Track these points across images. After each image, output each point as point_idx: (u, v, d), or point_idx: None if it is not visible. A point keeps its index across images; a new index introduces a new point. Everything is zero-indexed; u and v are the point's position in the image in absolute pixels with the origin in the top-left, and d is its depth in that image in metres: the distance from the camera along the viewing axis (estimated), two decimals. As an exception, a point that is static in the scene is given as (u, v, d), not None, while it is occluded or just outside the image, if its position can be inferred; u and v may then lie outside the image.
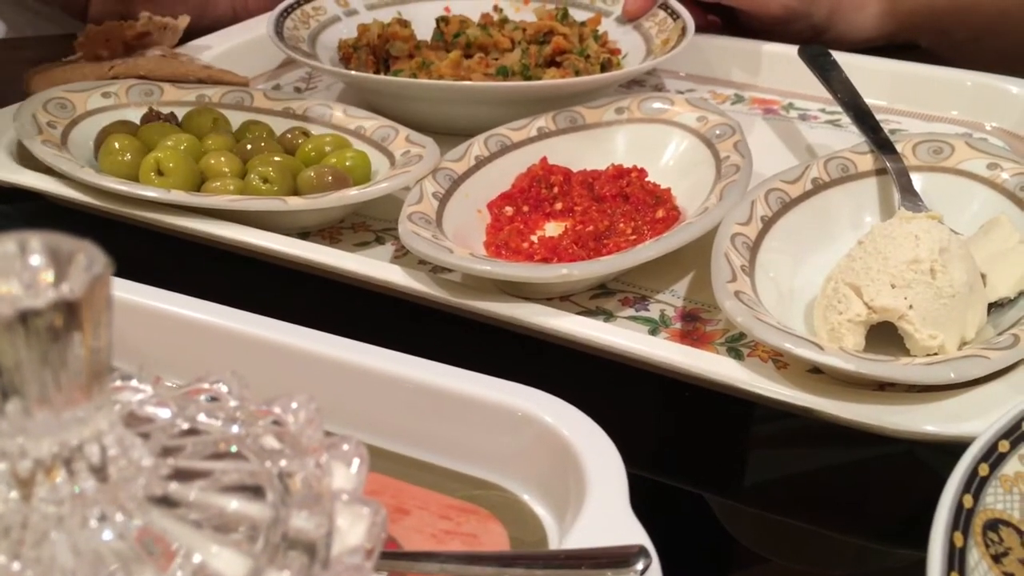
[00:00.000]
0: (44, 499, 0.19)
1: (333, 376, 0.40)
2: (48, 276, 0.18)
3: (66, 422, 0.19)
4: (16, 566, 0.19)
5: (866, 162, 0.56)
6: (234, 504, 0.21)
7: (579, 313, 0.48)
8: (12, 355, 0.18)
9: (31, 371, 0.18)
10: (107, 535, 0.20)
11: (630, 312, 0.51)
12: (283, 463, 0.22)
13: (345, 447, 0.24)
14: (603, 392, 0.46)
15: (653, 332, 0.49)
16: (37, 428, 0.19)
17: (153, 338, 0.42)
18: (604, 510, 0.33)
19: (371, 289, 0.51)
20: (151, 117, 0.63)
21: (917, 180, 0.55)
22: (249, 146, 0.60)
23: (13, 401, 0.19)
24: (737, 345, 0.48)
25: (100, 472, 0.20)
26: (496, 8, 0.81)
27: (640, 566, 0.29)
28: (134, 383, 0.25)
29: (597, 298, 0.52)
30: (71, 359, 0.18)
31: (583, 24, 0.76)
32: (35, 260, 0.19)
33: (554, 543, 0.36)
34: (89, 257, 0.18)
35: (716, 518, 0.44)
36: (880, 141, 0.57)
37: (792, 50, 0.72)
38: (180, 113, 0.64)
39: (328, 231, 0.58)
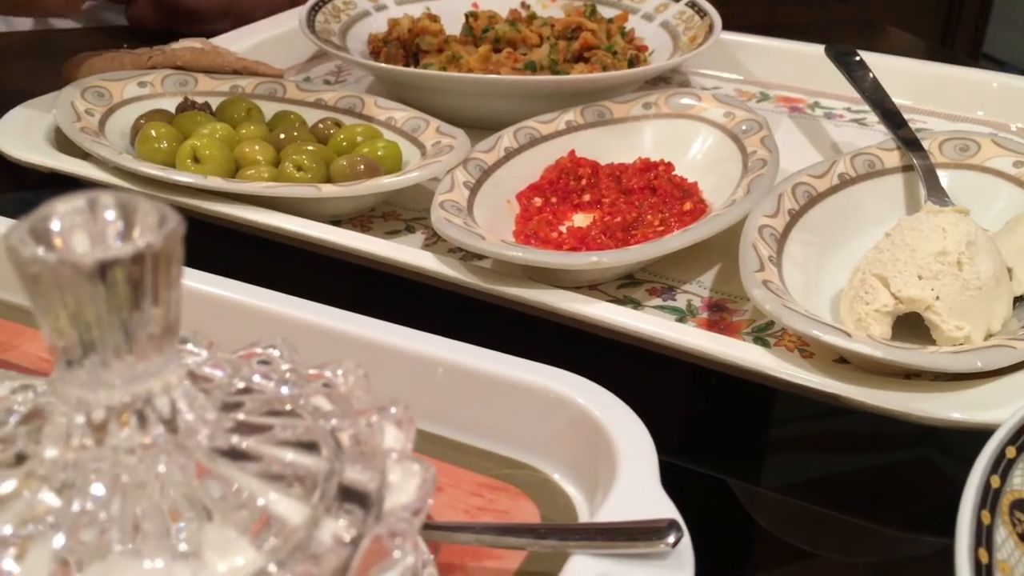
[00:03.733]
0: (116, 447, 0.20)
1: (370, 357, 0.40)
2: (122, 229, 0.19)
3: (139, 374, 0.20)
4: (89, 507, 0.20)
5: (892, 159, 0.57)
6: (291, 457, 0.22)
7: (607, 302, 0.49)
8: (92, 307, 0.19)
9: (108, 323, 0.19)
10: (176, 483, 0.20)
11: (657, 302, 0.51)
12: (335, 421, 0.23)
13: (393, 410, 0.25)
14: (628, 379, 0.46)
15: (680, 321, 0.50)
16: (112, 379, 0.20)
17: (190, 318, 0.43)
18: (635, 487, 0.33)
19: (401, 276, 0.52)
20: (186, 106, 0.64)
21: (943, 177, 0.55)
22: (282, 135, 0.61)
23: (91, 353, 0.19)
24: (763, 335, 0.48)
25: (170, 423, 0.21)
26: (524, 4, 0.82)
27: (672, 539, 0.30)
28: (190, 346, 0.25)
29: (625, 287, 0.52)
30: (146, 312, 0.19)
31: (610, 21, 0.77)
32: (109, 215, 0.20)
33: (584, 521, 0.36)
34: (161, 213, 0.19)
35: (741, 504, 0.44)
36: (906, 138, 0.58)
37: (819, 49, 0.73)
38: (214, 103, 0.65)
39: (359, 219, 0.59)
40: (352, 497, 0.22)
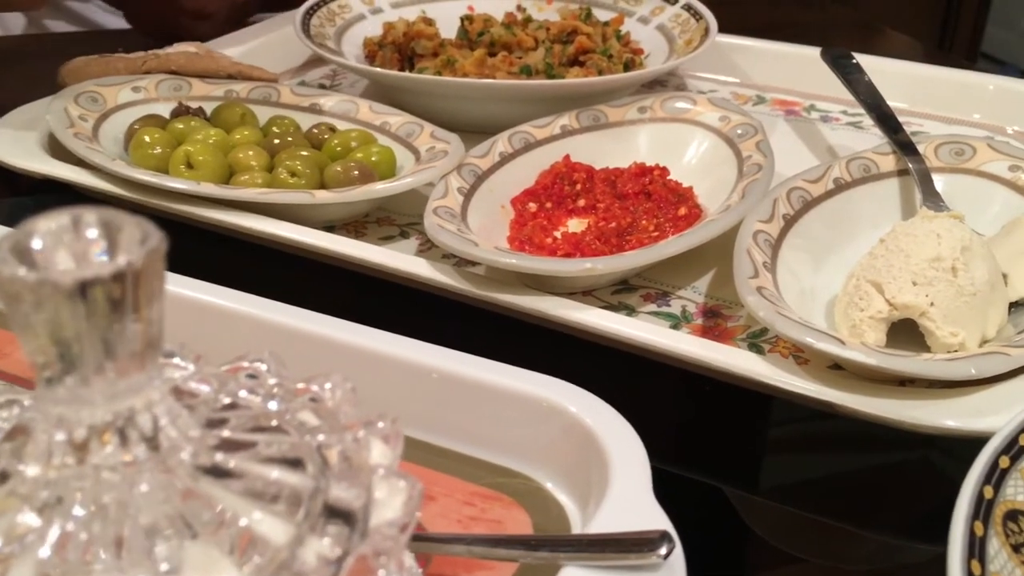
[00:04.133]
0: (97, 465, 0.20)
1: (362, 365, 0.40)
2: (104, 248, 0.19)
3: (120, 392, 0.20)
4: (70, 527, 0.20)
5: (888, 163, 0.57)
6: (276, 475, 0.22)
7: (601, 308, 0.48)
8: (72, 325, 0.19)
9: (89, 341, 0.19)
10: (158, 501, 0.20)
11: (652, 308, 0.51)
12: (321, 437, 0.23)
13: (381, 424, 0.25)
14: (622, 386, 0.46)
15: (674, 327, 0.49)
16: (93, 397, 0.20)
17: (182, 326, 0.43)
18: (627, 497, 0.33)
19: (395, 282, 0.52)
20: (180, 111, 0.64)
21: (939, 181, 0.55)
22: (276, 141, 0.61)
23: (71, 371, 0.19)
24: (758, 341, 0.48)
25: (151, 441, 0.20)
26: (520, 7, 0.81)
27: (663, 550, 0.30)
28: (176, 360, 0.25)
29: (619, 293, 0.52)
30: (127, 329, 0.19)
31: (606, 24, 0.77)
32: (91, 233, 0.19)
33: (577, 530, 0.36)
34: (144, 231, 0.19)
35: (735, 511, 0.44)
36: (902, 142, 0.57)
37: (814, 52, 0.72)
38: (208, 108, 0.65)
39: (353, 225, 0.59)
40: (337, 515, 0.21)
